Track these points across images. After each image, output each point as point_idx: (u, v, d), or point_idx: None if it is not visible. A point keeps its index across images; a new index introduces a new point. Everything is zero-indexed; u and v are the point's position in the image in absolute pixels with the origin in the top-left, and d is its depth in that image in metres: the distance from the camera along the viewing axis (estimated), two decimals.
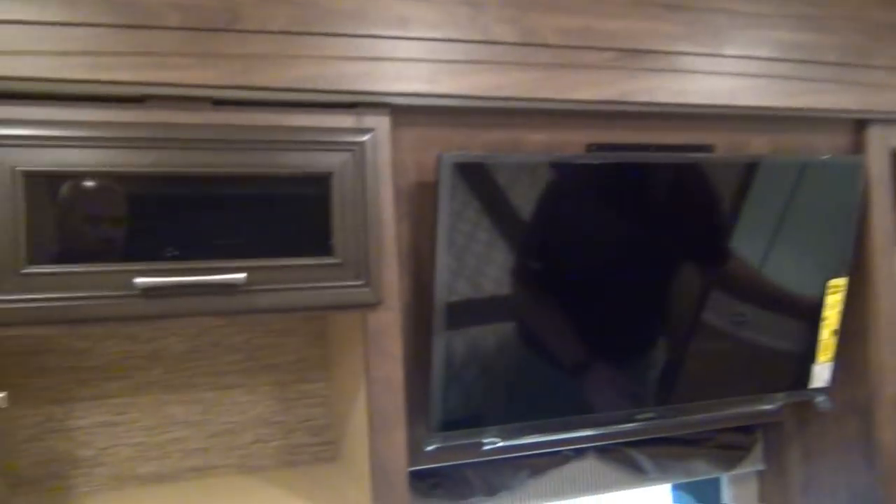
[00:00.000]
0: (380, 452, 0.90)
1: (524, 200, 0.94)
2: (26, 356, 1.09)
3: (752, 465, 1.35)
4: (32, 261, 0.77)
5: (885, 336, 1.13)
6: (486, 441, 1.01)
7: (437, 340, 0.95)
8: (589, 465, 1.24)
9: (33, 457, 1.08)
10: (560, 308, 1.00)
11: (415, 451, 0.98)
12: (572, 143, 1.00)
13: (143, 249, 0.81)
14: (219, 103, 0.84)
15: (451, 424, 0.99)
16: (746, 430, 1.32)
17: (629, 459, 1.25)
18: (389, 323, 0.90)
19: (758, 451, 1.34)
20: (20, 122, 0.78)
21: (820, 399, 1.16)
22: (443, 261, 0.92)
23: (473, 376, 0.98)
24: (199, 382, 1.16)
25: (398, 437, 0.91)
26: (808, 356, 1.14)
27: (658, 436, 1.25)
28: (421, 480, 1.13)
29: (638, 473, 1.26)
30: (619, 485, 1.26)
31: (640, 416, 1.08)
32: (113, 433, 1.12)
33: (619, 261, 1.03)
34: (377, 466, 0.90)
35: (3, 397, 0.74)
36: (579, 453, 1.22)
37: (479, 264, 0.94)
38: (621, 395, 1.07)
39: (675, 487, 1.46)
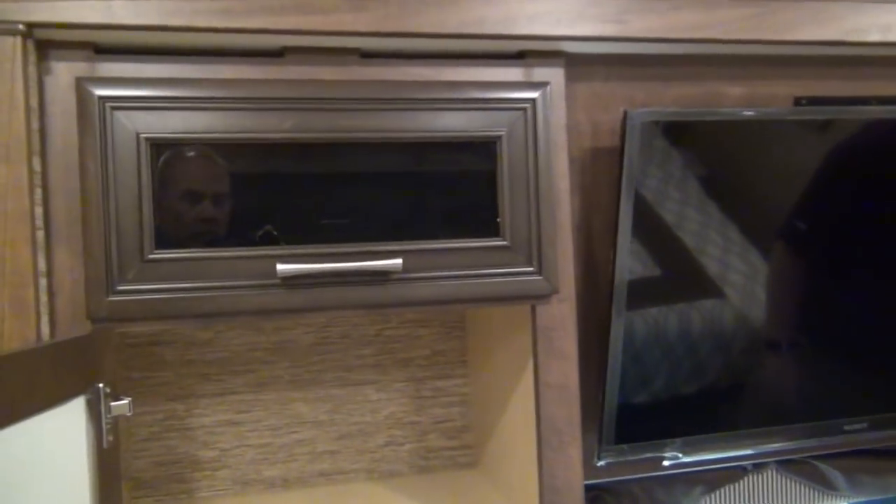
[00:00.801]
0: (551, 470, 0.76)
1: (724, 164, 0.78)
2: (144, 347, 0.99)
3: None
4: (159, 244, 0.66)
5: None
6: (667, 455, 0.86)
7: (615, 337, 0.79)
8: (769, 480, 1.07)
9: (153, 457, 0.99)
10: (776, 286, 0.83)
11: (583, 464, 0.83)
12: (777, 96, 0.83)
13: (284, 232, 0.68)
14: (367, 56, 0.71)
15: (627, 436, 0.84)
16: None
17: (817, 474, 1.07)
18: (564, 317, 0.76)
19: None
20: (143, 81, 0.66)
21: None
22: (625, 240, 0.76)
23: (655, 376, 0.82)
24: (327, 378, 1.04)
25: (573, 453, 0.76)
26: None
27: (852, 448, 1.07)
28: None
29: (826, 489, 1.07)
30: (801, 502, 1.08)
31: (849, 427, 0.90)
32: (236, 433, 1.01)
33: (840, 235, 0.85)
34: (547, 486, 0.76)
35: (126, 404, 0.63)
36: (759, 466, 1.05)
37: (668, 242, 0.78)
38: (832, 400, 0.90)
39: None
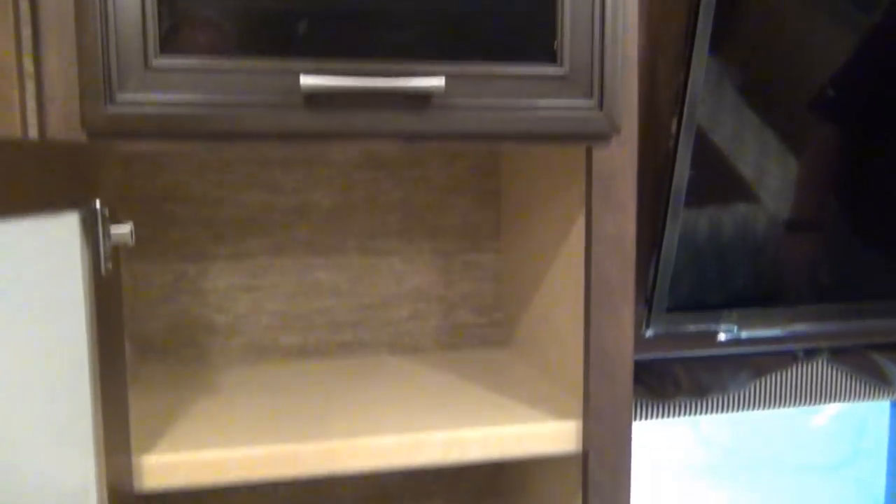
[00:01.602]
0: (599, 332, 0.69)
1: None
2: (154, 203, 0.92)
3: None
4: (164, 50, 0.57)
5: None
6: (723, 328, 0.78)
7: (677, 187, 0.71)
8: (820, 369, 0.99)
9: (164, 320, 0.93)
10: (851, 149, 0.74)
11: None
12: None
13: (309, 41, 0.59)
14: None
15: (680, 304, 0.76)
16: None
17: (871, 365, 0.99)
18: (624, 162, 0.67)
19: None
20: None
21: None
22: (698, 72, 0.66)
23: (716, 238, 0.74)
24: (349, 246, 0.97)
25: (625, 315, 0.69)
26: None
27: None
28: None
29: (879, 383, 1.00)
30: (853, 395, 1.01)
31: None
32: (252, 299, 0.95)
33: None
34: (595, 350, 0.69)
35: (128, 230, 0.55)
36: (810, 355, 0.98)
37: (753, 81, 0.68)
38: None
39: None
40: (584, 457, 0.71)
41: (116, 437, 0.59)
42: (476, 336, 1.02)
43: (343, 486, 1.00)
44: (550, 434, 0.71)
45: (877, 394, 1.01)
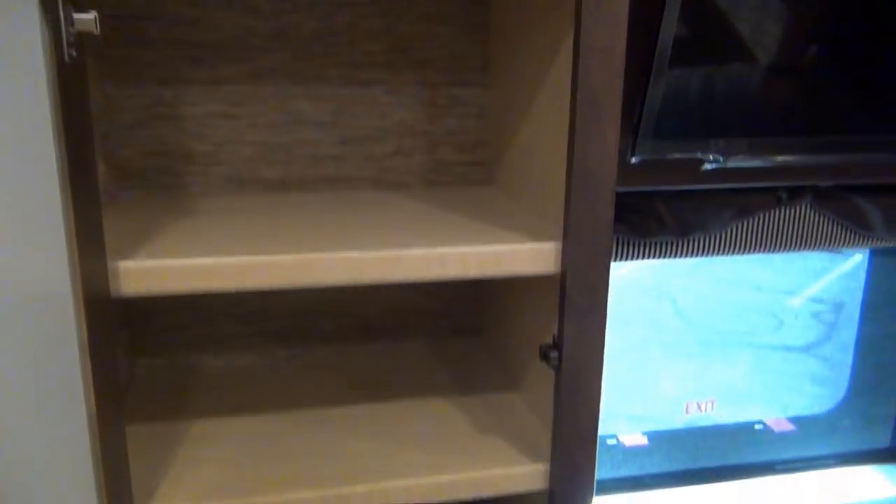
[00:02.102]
0: (584, 150, 0.67)
1: None
2: (125, 21, 0.87)
3: None
4: None
5: None
6: (708, 157, 0.77)
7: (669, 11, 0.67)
8: (803, 213, 0.99)
9: (140, 146, 0.91)
10: None
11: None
12: None
13: None
14: None
15: (668, 131, 0.74)
16: None
17: (854, 210, 0.99)
18: None
19: None
20: None
21: None
22: None
23: (708, 60, 0.72)
24: (331, 75, 0.94)
25: (611, 133, 0.67)
26: None
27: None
28: None
29: (861, 229, 1.01)
30: (835, 240, 1.02)
31: None
32: (231, 127, 0.92)
33: None
34: (579, 169, 0.67)
35: (92, 18, 0.52)
36: (794, 197, 0.97)
37: None
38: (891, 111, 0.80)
39: (878, 251, 1.22)
40: (562, 277, 0.71)
41: (91, 242, 0.58)
42: (460, 174, 1.00)
43: (326, 319, 1.02)
44: (529, 254, 0.71)
45: (858, 240, 1.02)
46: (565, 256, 0.70)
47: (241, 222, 0.78)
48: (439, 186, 0.99)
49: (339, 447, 0.79)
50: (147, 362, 0.98)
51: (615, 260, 0.96)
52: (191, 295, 0.97)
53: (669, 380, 1.24)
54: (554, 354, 0.73)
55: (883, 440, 1.24)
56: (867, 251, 1.25)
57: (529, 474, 0.77)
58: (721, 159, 0.77)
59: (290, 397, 0.90)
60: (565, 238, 0.70)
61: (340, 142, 0.96)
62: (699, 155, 0.76)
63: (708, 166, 0.77)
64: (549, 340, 0.74)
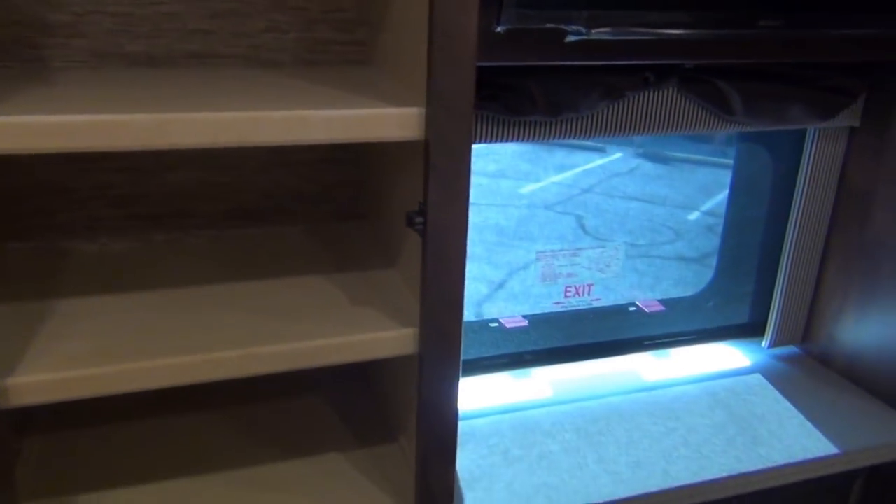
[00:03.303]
0: (443, 14, 0.67)
1: None
2: None
3: (848, 120, 1.15)
4: None
5: None
6: (570, 29, 0.79)
7: None
8: (670, 97, 1.03)
9: None
10: None
11: (479, 41, 0.75)
12: None
13: None
14: None
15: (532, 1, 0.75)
16: (857, 72, 1.11)
17: (718, 95, 1.04)
18: None
19: (860, 103, 1.14)
20: None
21: None
22: None
23: None
24: None
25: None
26: None
27: (755, 69, 1.04)
28: (476, 90, 0.92)
29: (724, 113, 1.06)
30: (699, 124, 1.07)
31: (764, 23, 0.85)
32: None
33: None
34: (440, 33, 0.68)
35: None
36: (661, 79, 1.01)
37: None
38: None
39: (744, 138, 1.28)
40: (427, 143, 0.72)
41: None
42: (338, 54, 0.99)
43: (203, 203, 1.00)
44: (394, 118, 0.71)
45: (721, 123, 1.07)
46: (429, 121, 0.71)
47: (99, 92, 0.75)
48: (316, 65, 0.98)
49: (214, 320, 0.79)
50: (17, 247, 0.94)
51: (492, 140, 0.98)
52: (59, 177, 0.94)
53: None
54: (419, 220, 0.75)
55: (742, 317, 1.34)
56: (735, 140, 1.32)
57: (399, 338, 0.80)
58: (584, 31, 0.78)
59: (164, 278, 0.89)
60: (429, 104, 0.71)
61: (209, 16, 0.92)
62: (563, 26, 0.78)
63: (571, 38, 0.78)
64: (417, 208, 0.76)
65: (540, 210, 5.36)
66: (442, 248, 0.76)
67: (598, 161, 6.27)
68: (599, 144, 6.37)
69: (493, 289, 3.55)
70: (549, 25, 0.78)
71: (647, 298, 1.35)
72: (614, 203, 5.43)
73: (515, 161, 6.14)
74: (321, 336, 0.77)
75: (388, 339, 0.80)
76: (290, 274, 0.91)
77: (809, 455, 1.05)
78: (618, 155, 6.38)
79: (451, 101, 0.71)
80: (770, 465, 1.02)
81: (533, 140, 1.01)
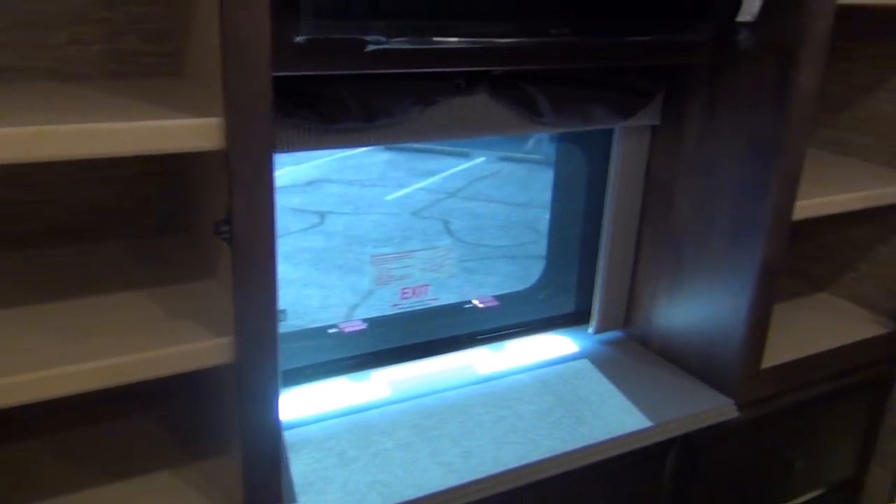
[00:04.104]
0: (234, 23, 0.69)
1: None
2: None
3: (649, 119, 1.25)
4: None
5: None
6: (369, 39, 0.82)
7: None
8: (481, 101, 1.09)
9: None
10: None
11: (278, 51, 0.77)
12: None
13: None
14: None
15: (328, 9, 0.78)
16: (653, 76, 1.21)
17: (526, 98, 1.11)
18: None
19: (658, 102, 1.24)
20: None
21: (743, 35, 1.04)
22: None
23: None
24: None
25: (260, 6, 0.69)
26: None
27: (559, 74, 1.11)
28: (286, 99, 0.94)
29: (533, 115, 1.12)
30: (511, 126, 1.13)
31: (555, 31, 0.92)
32: None
33: None
34: (231, 41, 0.69)
35: None
36: (472, 85, 1.06)
37: None
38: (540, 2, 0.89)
39: (562, 139, 1.37)
40: (227, 153, 0.73)
41: None
42: (148, 65, 0.98)
43: (10, 222, 0.96)
44: (191, 129, 0.72)
45: (530, 125, 1.14)
46: (227, 131, 0.72)
47: None
48: (124, 77, 0.96)
49: (21, 342, 0.76)
50: None
51: (308, 148, 1.00)
52: None
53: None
54: (225, 228, 0.75)
55: (570, 307, 1.42)
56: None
57: (215, 348, 0.80)
58: (384, 40, 0.82)
59: None
60: (226, 113, 0.72)
61: (6, 28, 0.89)
62: (362, 35, 0.81)
63: (372, 47, 0.81)
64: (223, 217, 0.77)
65: (406, 216, 5.42)
66: (250, 256, 0.77)
67: (462, 165, 6.42)
68: (464, 149, 6.53)
69: (362, 297, 3.56)
70: (348, 35, 0.80)
71: (483, 296, 1.41)
72: (479, 206, 5.58)
73: (381, 168, 6.18)
74: (135, 351, 0.76)
75: (204, 349, 0.80)
76: (105, 291, 0.89)
77: (627, 430, 1.13)
78: (481, 159, 6.56)
79: (248, 111, 0.72)
80: (591, 442, 1.09)
81: (350, 146, 1.03)
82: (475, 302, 1.39)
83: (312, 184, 5.75)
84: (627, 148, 1.28)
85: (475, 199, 5.65)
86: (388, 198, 5.65)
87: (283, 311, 1.02)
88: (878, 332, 1.41)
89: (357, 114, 0.97)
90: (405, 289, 1.32)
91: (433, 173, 6.17)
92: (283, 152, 0.98)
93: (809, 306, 1.51)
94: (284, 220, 5.01)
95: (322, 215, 5.20)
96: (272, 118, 0.73)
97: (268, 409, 0.83)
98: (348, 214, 5.21)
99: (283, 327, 1.39)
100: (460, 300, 1.38)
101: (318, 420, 1.12)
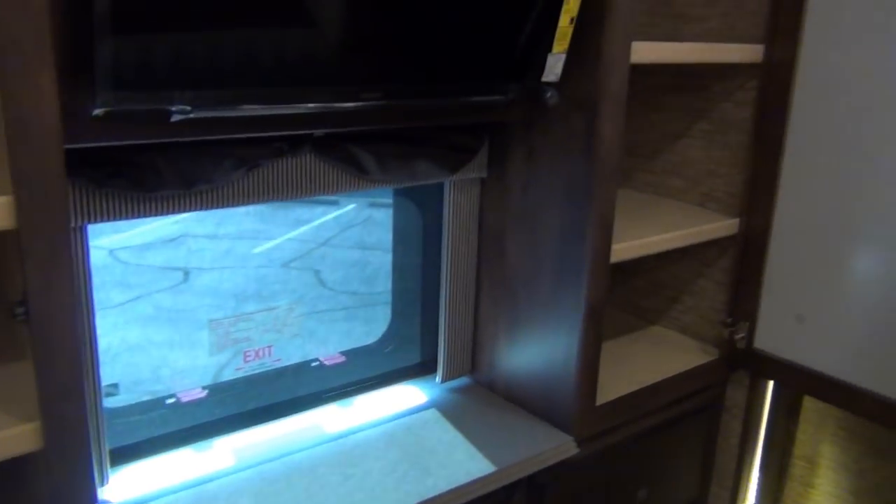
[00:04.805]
0: (20, 102, 0.67)
1: None
2: None
3: (476, 173, 1.31)
4: None
5: (618, 28, 1.08)
6: (174, 109, 0.81)
7: None
8: (306, 162, 1.10)
9: None
10: None
11: (77, 121, 0.75)
12: None
13: None
14: None
15: (127, 81, 0.77)
16: (475, 132, 1.26)
17: (351, 157, 1.13)
18: None
19: (483, 156, 1.30)
20: None
21: (550, 94, 1.11)
22: None
23: (161, 15, 0.75)
24: None
25: (45, 81, 0.68)
26: (545, 45, 1.06)
27: (382, 132, 1.14)
28: (96, 169, 0.91)
29: (360, 174, 1.15)
30: (340, 185, 1.14)
31: (366, 95, 0.94)
32: None
33: None
34: (15, 118, 0.67)
35: None
36: (295, 147, 1.07)
37: None
38: (352, 67, 0.92)
39: (398, 194, 1.40)
40: (18, 232, 0.70)
41: None
42: None
43: None
44: None
45: (359, 183, 1.16)
46: (18, 209, 0.69)
47: None
48: None
49: None
50: None
51: (125, 217, 0.97)
52: None
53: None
54: (21, 310, 0.72)
55: (416, 357, 1.44)
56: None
57: (20, 435, 0.76)
58: (188, 110, 0.81)
59: None
60: (15, 191, 0.69)
61: None
62: (165, 106, 0.80)
63: (177, 117, 0.81)
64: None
65: (276, 269, 5.32)
66: (50, 336, 0.74)
67: (332, 213, 6.40)
68: (333, 197, 6.51)
69: (232, 356, 3.45)
70: (151, 106, 0.80)
71: (330, 353, 1.40)
72: (350, 253, 5.56)
73: (248, 219, 6.06)
74: None
75: (7, 437, 0.75)
76: None
77: (471, 477, 1.15)
78: (351, 206, 6.57)
79: (39, 187, 0.70)
80: (437, 492, 1.11)
81: (171, 213, 1.01)
82: (321, 360, 1.38)
83: (175, 240, 5.57)
84: (459, 199, 1.32)
85: (347, 247, 5.64)
86: (256, 250, 5.54)
87: (115, 386, 0.99)
88: (706, 360, 1.51)
89: (173, 181, 0.96)
90: (248, 352, 1.30)
91: (303, 222, 6.12)
92: (99, 223, 0.95)
93: (643, 339, 1.60)
94: (145, 280, 4.81)
95: (186, 272, 5.03)
96: (67, 192, 0.72)
97: (80, 495, 0.79)
98: (214, 270, 5.06)
99: (117, 401, 1.33)
100: (305, 359, 1.37)
101: (157, 497, 1.08)
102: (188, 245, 5.47)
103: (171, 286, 4.73)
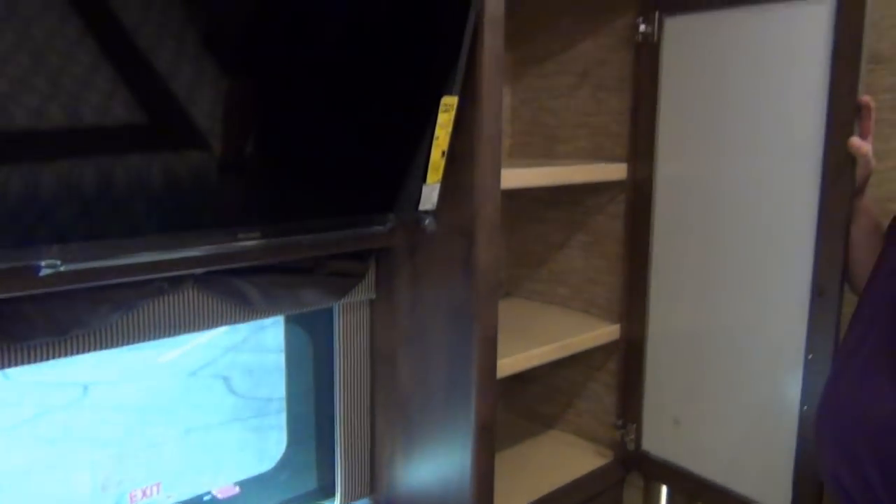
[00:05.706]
0: None
1: None
2: None
3: (365, 294, 1.33)
4: None
5: (488, 159, 1.15)
6: (43, 264, 0.81)
7: None
8: (189, 299, 1.10)
9: None
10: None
11: None
12: None
13: None
14: None
15: None
16: (360, 257, 1.30)
17: (235, 290, 1.14)
18: None
19: (370, 279, 1.33)
20: None
21: (428, 221, 1.16)
22: None
23: (24, 166, 0.76)
24: None
25: None
26: (420, 176, 1.12)
27: (265, 264, 1.16)
28: None
29: (245, 305, 1.16)
30: (225, 318, 1.15)
31: (243, 235, 0.97)
32: None
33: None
34: None
35: None
36: (176, 284, 1.08)
37: None
38: (227, 210, 0.95)
39: (288, 320, 1.40)
40: None
41: None
42: None
43: None
44: None
45: (244, 315, 1.17)
46: None
47: None
48: None
49: None
50: None
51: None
52: None
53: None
54: None
55: (313, 483, 1.42)
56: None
57: None
58: (58, 264, 0.81)
59: None
60: None
61: None
62: (34, 262, 0.80)
63: (46, 272, 0.81)
64: None
65: (183, 378, 5.11)
66: None
67: None
68: None
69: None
70: (17, 264, 0.79)
71: (223, 484, 1.36)
72: (262, 358, 5.41)
73: None
74: None
75: None
76: None
77: None
78: None
79: None
80: None
81: (49, 360, 0.99)
82: (214, 492, 1.34)
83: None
84: (349, 321, 1.34)
85: (259, 352, 5.49)
86: (161, 359, 5.33)
87: None
88: (602, 463, 1.54)
89: (47, 329, 0.95)
90: (134, 492, 1.26)
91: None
92: None
93: (542, 444, 1.63)
94: (39, 398, 4.55)
95: (85, 387, 4.78)
96: None
97: None
98: (115, 383, 4.83)
99: None
100: (196, 494, 1.32)
101: None
102: (87, 359, 5.23)
103: (69, 403, 4.49)
